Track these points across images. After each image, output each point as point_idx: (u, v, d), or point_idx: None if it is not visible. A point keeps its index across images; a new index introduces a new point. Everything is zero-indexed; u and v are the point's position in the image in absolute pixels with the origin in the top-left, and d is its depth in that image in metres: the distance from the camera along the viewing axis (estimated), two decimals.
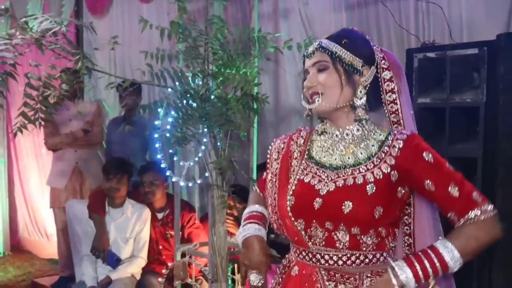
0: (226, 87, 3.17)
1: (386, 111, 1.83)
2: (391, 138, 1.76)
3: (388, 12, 3.76)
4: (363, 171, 1.74)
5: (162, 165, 3.58)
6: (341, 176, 1.76)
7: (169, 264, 3.62)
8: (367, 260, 1.75)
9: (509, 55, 2.61)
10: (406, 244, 1.87)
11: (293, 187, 1.82)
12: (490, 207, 1.69)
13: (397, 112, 1.82)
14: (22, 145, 7.13)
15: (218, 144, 3.22)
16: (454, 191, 1.69)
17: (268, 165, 1.98)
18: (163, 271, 3.64)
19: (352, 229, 1.70)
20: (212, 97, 3.15)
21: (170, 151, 3.46)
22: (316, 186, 1.78)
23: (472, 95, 2.73)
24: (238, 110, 3.10)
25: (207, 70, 3.16)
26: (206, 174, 3.33)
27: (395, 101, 1.81)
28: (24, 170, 7.24)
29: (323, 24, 4.33)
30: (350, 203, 1.69)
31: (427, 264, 1.64)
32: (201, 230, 4.05)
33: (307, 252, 1.80)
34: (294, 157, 1.89)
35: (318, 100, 1.76)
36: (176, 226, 3.73)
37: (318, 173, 1.81)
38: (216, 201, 3.20)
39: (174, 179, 3.56)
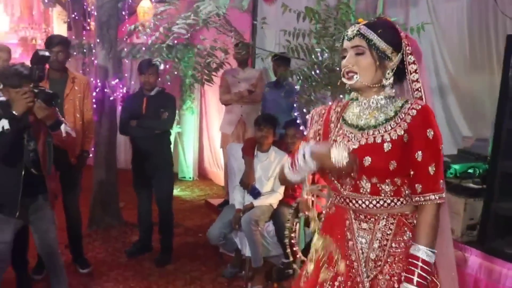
0: None
1: (410, 88, 1.81)
2: (408, 106, 1.75)
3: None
4: (382, 132, 1.76)
5: (298, 121, 3.58)
6: (364, 136, 1.78)
7: (298, 199, 3.63)
8: (386, 204, 1.78)
9: None
10: None
11: None
12: (443, 195, 1.73)
13: (419, 89, 1.80)
14: (209, 101, 7.46)
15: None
16: (432, 170, 1.70)
17: (309, 125, 2.01)
18: (293, 204, 3.67)
19: (372, 179, 1.74)
20: (338, 69, 3.07)
21: (304, 110, 3.43)
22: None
23: None
24: None
25: (333, 46, 3.08)
26: None
27: (418, 80, 1.80)
28: (210, 119, 7.57)
29: (446, 10, 4.00)
30: (369, 158, 1.73)
31: (421, 273, 1.68)
32: None
33: (340, 197, 1.86)
34: (332, 121, 1.91)
35: (355, 77, 1.76)
36: None
37: (347, 134, 1.83)
38: None
39: (305, 133, 3.56)
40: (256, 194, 4.08)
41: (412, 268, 1.69)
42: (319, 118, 1.97)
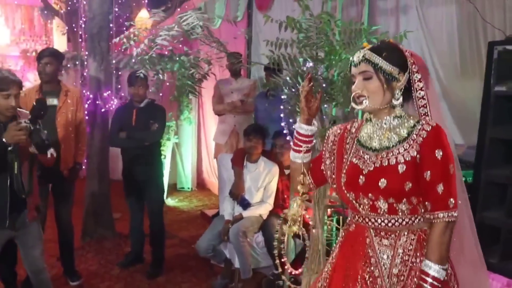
0: (334, 70, 3.05)
1: (416, 105, 1.86)
2: (419, 127, 1.79)
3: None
4: (396, 153, 1.80)
5: (285, 131, 3.56)
6: (379, 158, 1.83)
7: (285, 210, 3.59)
8: (404, 222, 1.82)
9: None
10: None
11: (346, 167, 1.91)
12: (455, 214, 1.75)
13: (425, 106, 1.84)
14: (207, 111, 7.45)
15: (324, 117, 3.12)
16: (440, 189, 1.74)
17: (324, 145, 2.07)
18: (281, 214, 3.63)
19: (388, 199, 1.79)
20: (321, 79, 3.05)
21: (291, 120, 3.42)
22: (360, 166, 1.87)
23: None
24: (340, 90, 2.97)
25: (315, 56, 3.05)
26: (314, 141, 3.25)
27: (424, 97, 1.84)
28: (207, 129, 7.57)
29: (436, 18, 3.96)
30: (385, 180, 1.78)
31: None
32: None
33: (359, 215, 1.91)
34: (347, 142, 1.97)
35: (364, 102, 1.82)
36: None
37: (362, 155, 1.88)
38: None
39: (291, 143, 3.53)
40: (245, 204, 4.05)
41: (422, 283, 1.75)
42: (334, 138, 2.03)
